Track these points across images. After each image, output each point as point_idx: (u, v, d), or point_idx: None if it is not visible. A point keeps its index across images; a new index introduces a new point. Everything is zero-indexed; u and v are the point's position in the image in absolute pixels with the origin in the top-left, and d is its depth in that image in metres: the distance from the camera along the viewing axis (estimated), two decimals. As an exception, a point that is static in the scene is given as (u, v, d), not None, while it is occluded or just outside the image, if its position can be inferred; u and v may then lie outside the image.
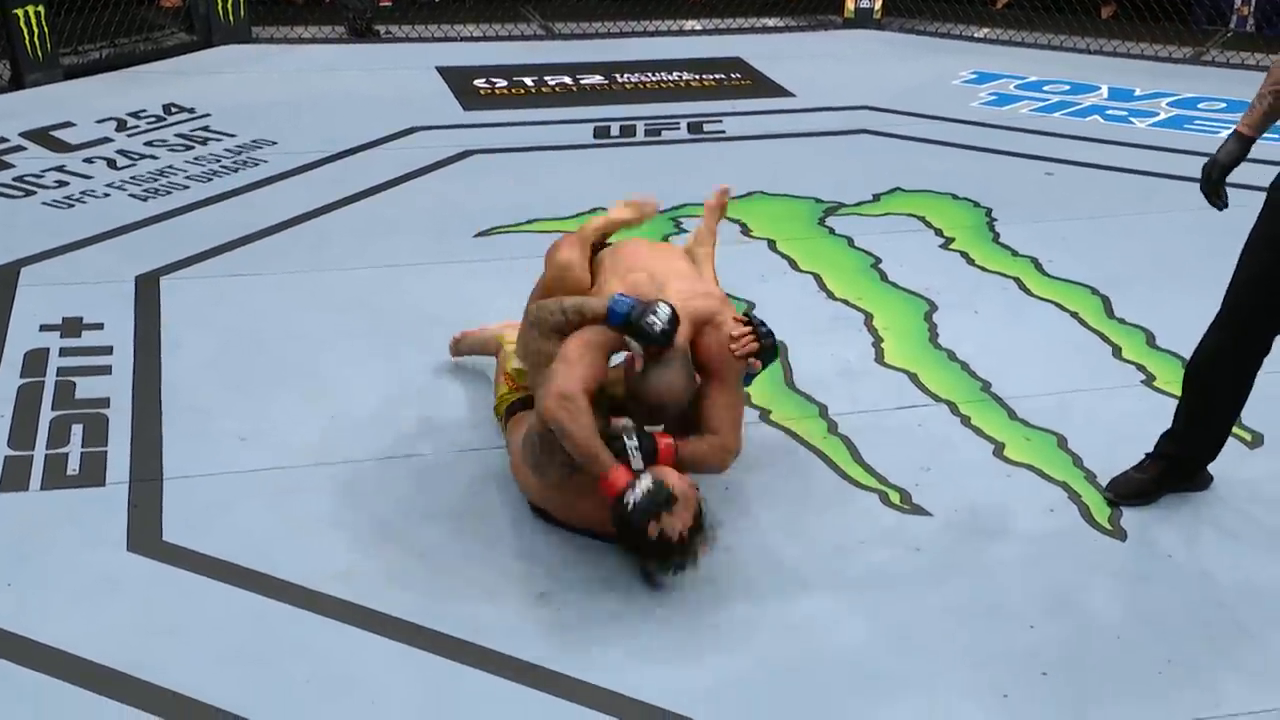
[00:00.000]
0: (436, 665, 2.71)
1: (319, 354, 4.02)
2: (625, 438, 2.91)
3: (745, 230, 5.05)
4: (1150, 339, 4.20)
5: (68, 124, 6.20)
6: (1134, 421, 3.57)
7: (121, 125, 6.25)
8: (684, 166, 5.77)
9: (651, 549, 2.83)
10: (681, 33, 8.70)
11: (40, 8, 6.83)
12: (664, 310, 2.93)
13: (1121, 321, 4.33)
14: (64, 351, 3.95)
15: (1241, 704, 2.64)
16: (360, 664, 2.71)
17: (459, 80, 7.29)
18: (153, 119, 6.37)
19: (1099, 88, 7.33)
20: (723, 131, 6.49)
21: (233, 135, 6.14)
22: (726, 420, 3.07)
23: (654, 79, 7.44)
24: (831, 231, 5.13)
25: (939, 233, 5.12)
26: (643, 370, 2.95)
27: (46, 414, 3.60)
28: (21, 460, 3.39)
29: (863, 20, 8.84)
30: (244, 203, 5.32)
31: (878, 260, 4.82)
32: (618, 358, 3.12)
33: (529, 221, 5.14)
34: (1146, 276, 4.68)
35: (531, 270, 4.54)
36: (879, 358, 4.09)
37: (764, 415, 3.69)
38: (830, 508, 3.30)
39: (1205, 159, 3.13)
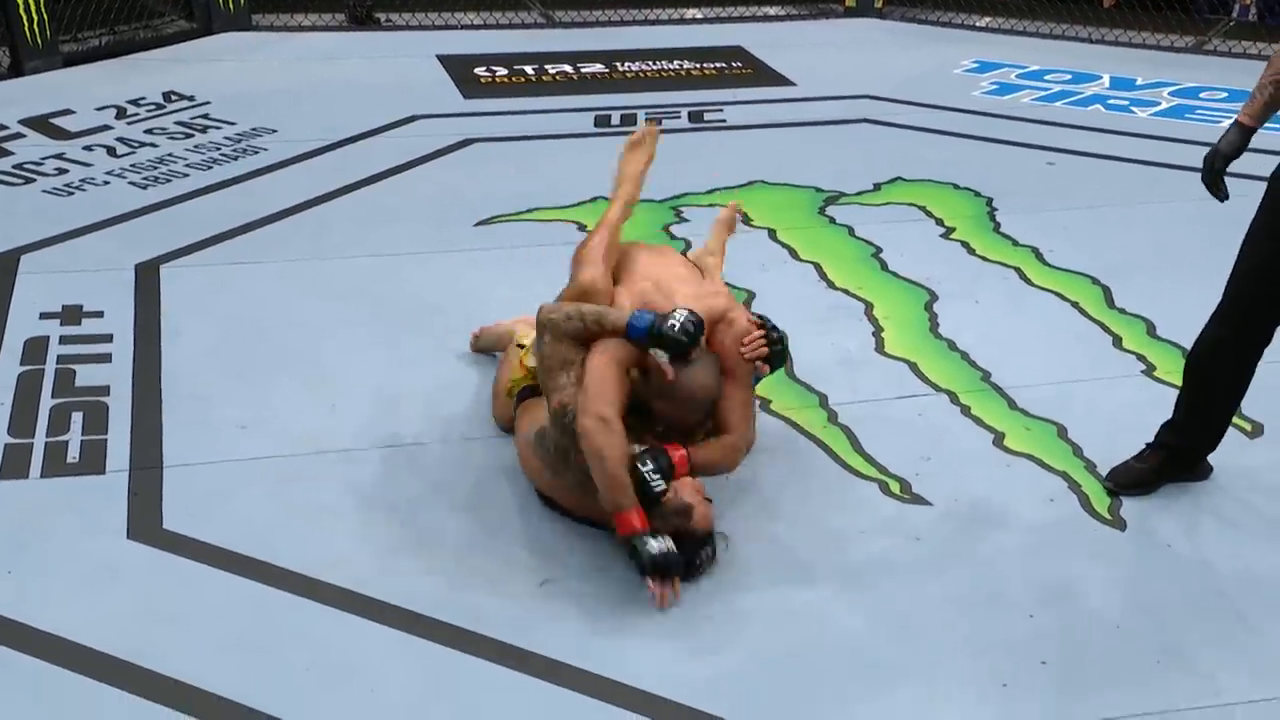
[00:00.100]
0: (436, 653, 2.71)
1: (319, 342, 4.02)
2: (640, 465, 2.87)
3: (746, 219, 5.04)
4: (1151, 329, 4.19)
5: (67, 111, 6.19)
6: (1134, 411, 3.57)
7: (121, 113, 6.24)
8: (685, 155, 5.76)
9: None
10: (682, 21, 8.68)
11: (40, -6, 6.82)
12: (684, 315, 2.93)
13: (1122, 311, 4.32)
14: (64, 339, 3.95)
15: (1240, 693, 2.65)
16: (360, 652, 2.71)
17: (459, 68, 7.28)
18: (152, 106, 6.36)
19: (1101, 77, 7.32)
20: (723, 120, 6.48)
21: (233, 123, 6.13)
22: (739, 416, 3.08)
23: (655, 67, 7.43)
24: (832, 221, 5.12)
25: (940, 222, 5.11)
26: (680, 376, 2.94)
27: (46, 402, 3.60)
28: (21, 448, 3.39)
29: (864, 9, 8.82)
30: (244, 191, 5.31)
31: (878, 250, 4.81)
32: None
33: (529, 210, 5.14)
34: (1147, 266, 4.67)
35: (532, 259, 4.56)
36: (879, 347, 4.09)
37: (764, 405, 3.68)
38: (830, 497, 3.30)
39: (1207, 149, 3.12)
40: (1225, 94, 6.90)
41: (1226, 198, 3.11)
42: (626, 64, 7.47)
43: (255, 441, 3.46)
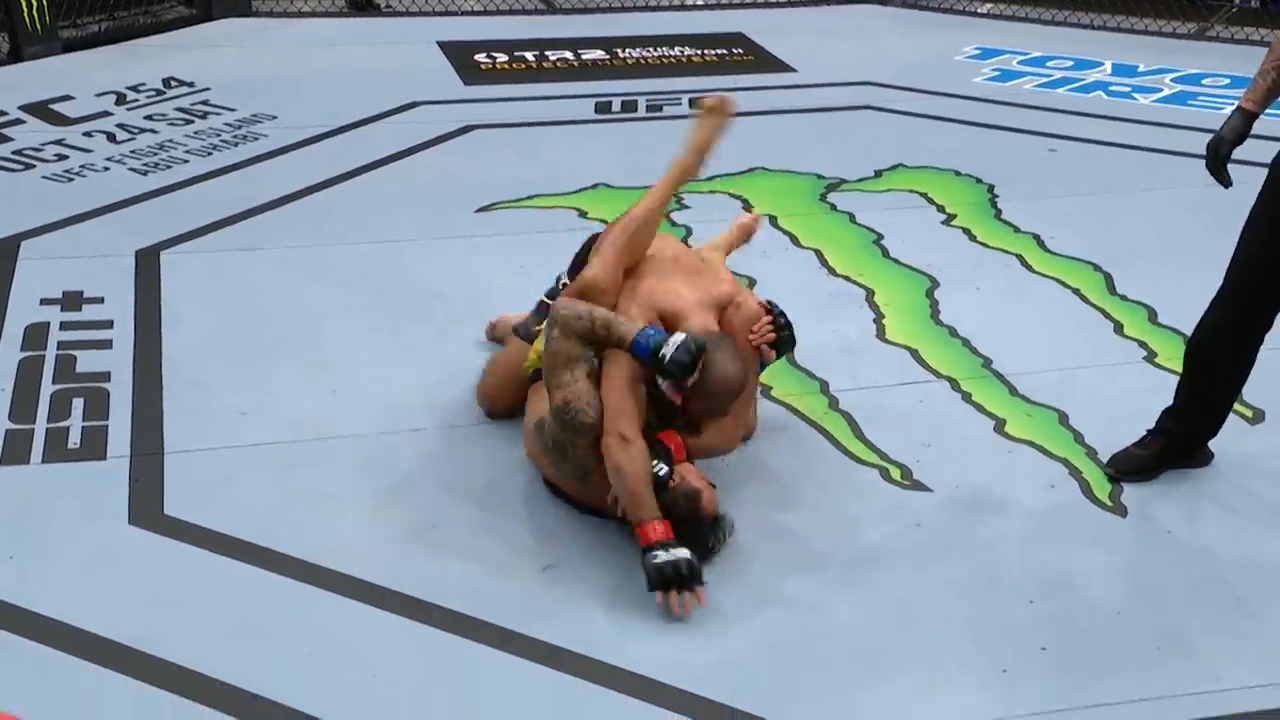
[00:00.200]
0: (438, 638, 2.72)
1: (320, 328, 4.02)
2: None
3: (746, 206, 5.03)
4: (1152, 315, 4.19)
5: (67, 97, 6.17)
6: (1135, 398, 3.57)
7: (121, 99, 6.22)
8: (685, 142, 5.74)
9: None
10: (683, 7, 8.66)
11: (39, -20, 6.80)
12: (681, 343, 2.92)
13: (1123, 298, 4.32)
14: (64, 325, 3.95)
15: (1240, 679, 2.65)
16: (361, 637, 2.71)
17: (460, 55, 7.25)
18: (152, 93, 6.34)
19: (1102, 63, 7.29)
20: (724, 107, 6.45)
21: (233, 109, 6.11)
22: (739, 400, 3.09)
23: (656, 54, 7.41)
24: (833, 208, 5.11)
25: (941, 209, 5.11)
26: (705, 365, 2.94)
27: (47, 388, 3.60)
28: (22, 434, 3.39)
29: (865, -5, 8.79)
30: (244, 177, 5.30)
31: (879, 236, 4.81)
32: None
33: (530, 197, 5.13)
34: (1149, 253, 4.67)
35: (533, 245, 4.55)
36: (880, 334, 4.08)
37: (765, 391, 3.68)
38: (831, 484, 3.31)
39: (1209, 136, 3.11)
40: (1228, 80, 6.88)
41: (1231, 184, 3.10)
42: (627, 50, 7.45)
43: (256, 427, 3.46)
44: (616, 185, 5.22)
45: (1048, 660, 2.70)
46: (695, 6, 8.68)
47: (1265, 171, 3.05)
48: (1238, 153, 3.08)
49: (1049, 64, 7.30)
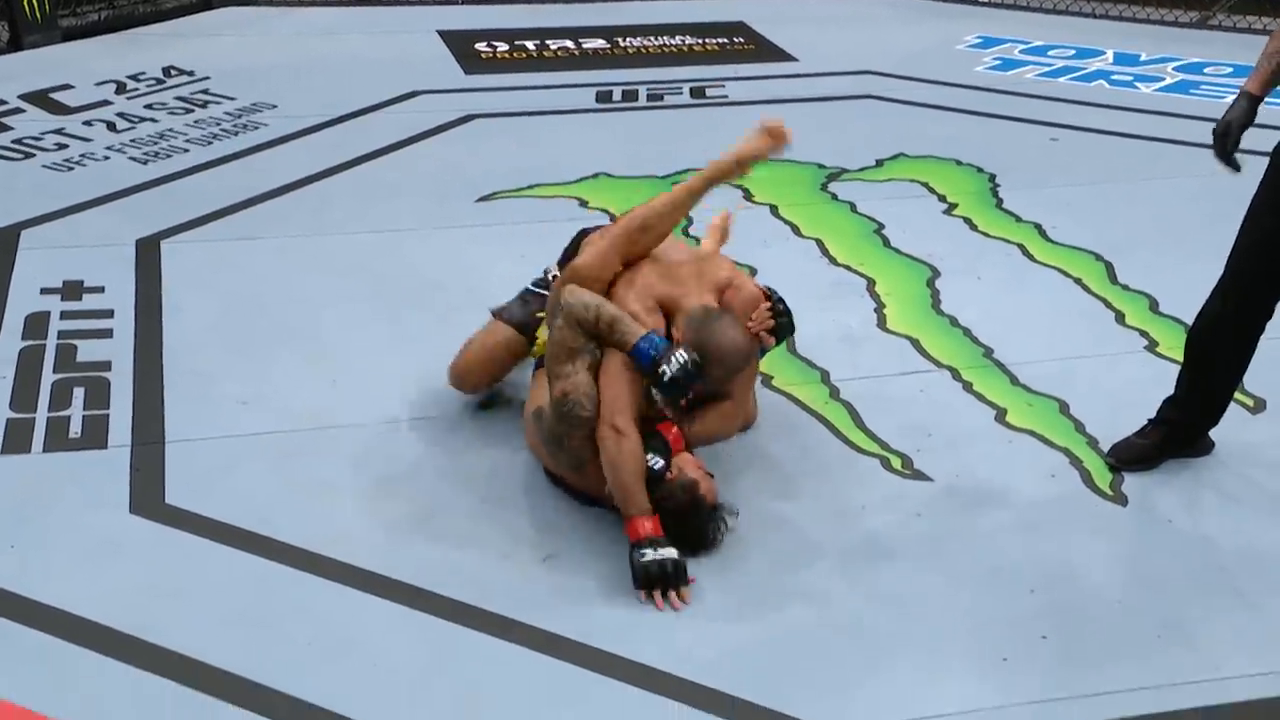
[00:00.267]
0: (438, 627, 2.72)
1: (320, 318, 4.02)
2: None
3: (747, 196, 5.03)
4: (1153, 305, 4.19)
5: (66, 86, 6.17)
6: (1136, 387, 3.57)
7: (121, 88, 6.22)
8: (686, 131, 5.74)
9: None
10: (684, -4, 8.64)
11: (38, -31, 6.79)
12: (683, 360, 2.92)
13: (1125, 287, 4.32)
14: (65, 315, 3.95)
15: (1240, 668, 2.65)
16: (361, 626, 2.72)
17: (460, 44, 7.25)
18: (152, 82, 6.34)
19: (1104, 52, 7.28)
20: (725, 96, 6.45)
21: (233, 98, 6.11)
22: (739, 384, 3.11)
23: (656, 43, 7.40)
24: (834, 197, 5.11)
25: (942, 198, 5.10)
26: (710, 334, 2.96)
27: (48, 377, 3.60)
28: (23, 423, 3.39)
29: (867, -16, 8.77)
30: (244, 166, 5.30)
31: (880, 226, 4.80)
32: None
33: (530, 186, 5.12)
34: (1150, 242, 4.66)
35: (533, 234, 4.54)
36: (881, 323, 4.08)
37: (766, 380, 3.68)
38: (831, 473, 3.30)
39: (1211, 124, 3.09)
40: (1230, 69, 6.86)
41: (1240, 168, 3.08)
42: (628, 39, 7.44)
43: (256, 417, 3.46)
44: (617, 175, 5.22)
45: (1048, 649, 2.70)
46: (696, -5, 8.66)
47: (1266, 160, 3.04)
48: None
49: (1051, 53, 7.29)
